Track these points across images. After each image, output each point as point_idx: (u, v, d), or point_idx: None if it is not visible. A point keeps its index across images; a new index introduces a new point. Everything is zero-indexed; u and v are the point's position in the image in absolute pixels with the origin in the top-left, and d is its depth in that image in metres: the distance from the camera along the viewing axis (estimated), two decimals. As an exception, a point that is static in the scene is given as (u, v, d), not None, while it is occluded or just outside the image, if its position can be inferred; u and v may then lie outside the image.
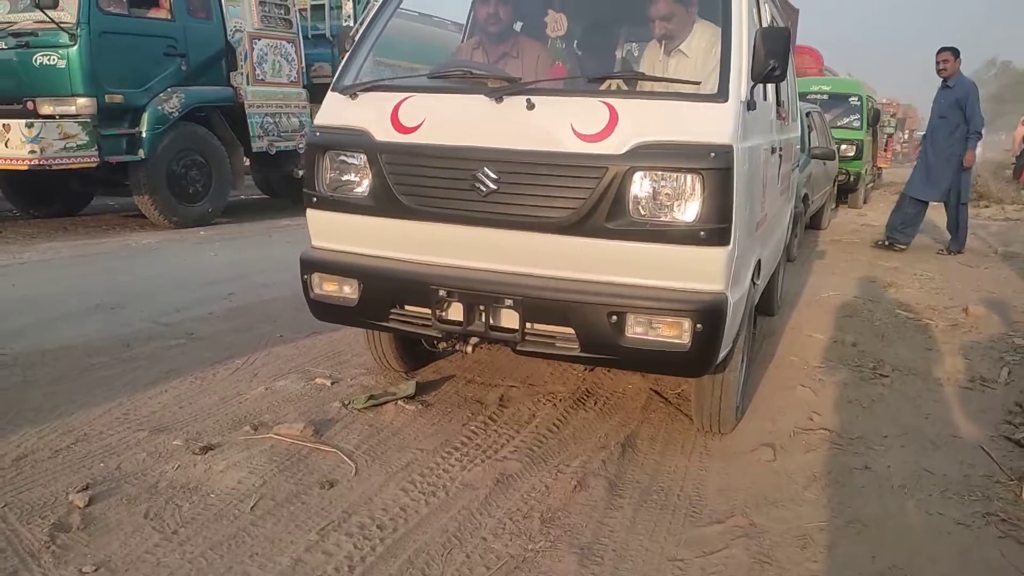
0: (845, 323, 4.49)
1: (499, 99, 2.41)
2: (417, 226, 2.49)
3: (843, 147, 10.05)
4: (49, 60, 6.82)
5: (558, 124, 2.33)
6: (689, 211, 2.23)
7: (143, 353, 3.52)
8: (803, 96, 10.85)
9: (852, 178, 10.57)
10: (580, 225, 2.29)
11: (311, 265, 2.71)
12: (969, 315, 4.72)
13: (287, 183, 9.90)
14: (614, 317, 2.29)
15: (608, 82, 3.32)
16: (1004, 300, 5.23)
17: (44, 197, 8.27)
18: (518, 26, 3.33)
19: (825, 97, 10.80)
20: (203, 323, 4.07)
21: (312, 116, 9.14)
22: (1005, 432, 2.88)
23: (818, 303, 5.02)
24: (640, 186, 2.25)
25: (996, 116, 65.44)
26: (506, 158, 2.35)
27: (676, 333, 2.27)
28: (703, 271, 2.26)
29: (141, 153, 7.27)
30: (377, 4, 2.87)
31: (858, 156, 10.56)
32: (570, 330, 2.36)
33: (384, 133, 2.52)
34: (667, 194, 2.25)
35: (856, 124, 10.77)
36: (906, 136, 28.55)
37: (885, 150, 15.45)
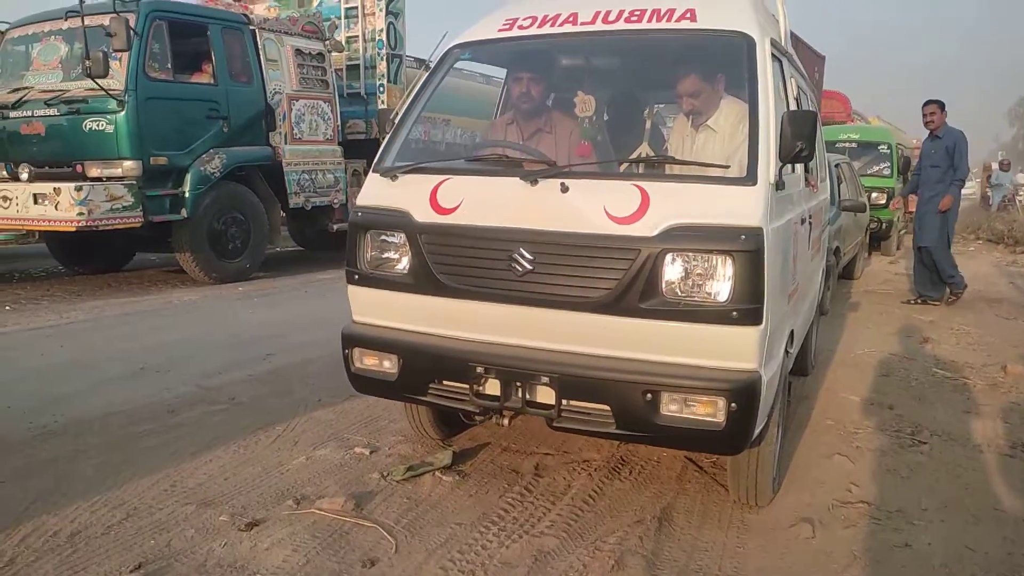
0: (881, 383, 4.46)
1: (534, 182, 2.49)
2: (455, 304, 2.57)
3: (874, 195, 10.01)
4: (98, 125, 7.14)
5: (591, 206, 2.41)
6: (721, 292, 2.28)
7: (187, 420, 3.62)
8: (832, 145, 10.91)
9: (884, 225, 10.50)
10: (614, 304, 2.35)
11: (352, 340, 2.79)
12: (1008, 374, 4.65)
13: (322, 236, 10.15)
14: (649, 395, 2.33)
15: (639, 150, 3.45)
16: (1045, 357, 5.14)
17: (88, 254, 8.57)
18: (550, 100, 3.44)
19: (854, 146, 10.81)
20: (244, 386, 4.17)
21: (346, 172, 9.42)
22: (1050, 506, 2.83)
23: (853, 361, 4.99)
24: (672, 267, 2.31)
25: (1030, 154, 64.70)
26: (542, 239, 2.43)
27: (711, 412, 2.30)
28: (736, 350, 2.29)
29: (184, 212, 7.54)
30: (415, 90, 2.99)
31: (889, 204, 10.49)
32: (606, 407, 2.40)
33: (423, 214, 2.62)
34: (699, 275, 2.30)
35: (887, 172, 10.74)
36: None
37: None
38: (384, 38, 9.80)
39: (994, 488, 3.01)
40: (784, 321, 2.70)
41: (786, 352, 2.85)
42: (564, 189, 2.45)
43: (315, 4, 10.24)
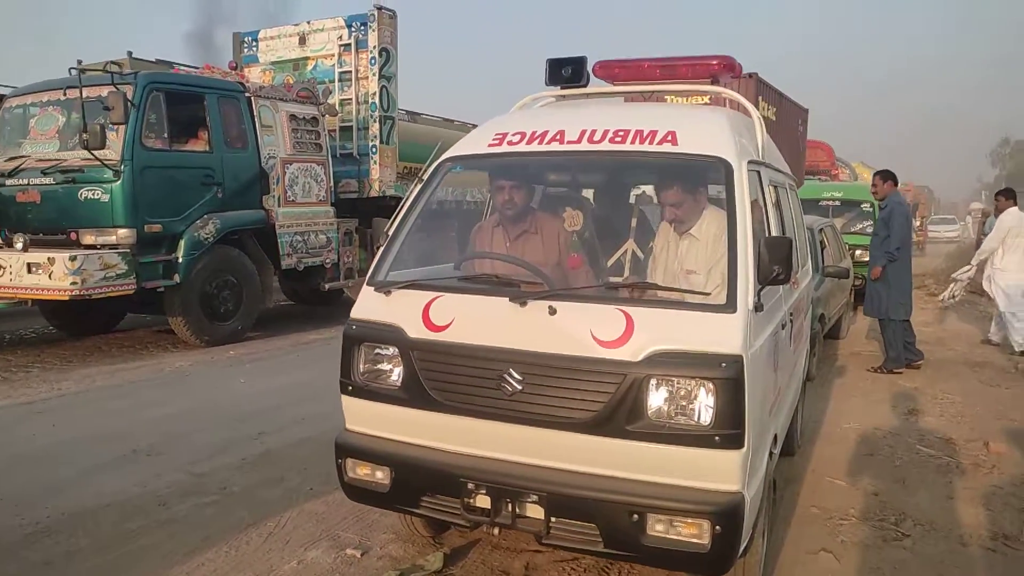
0: (866, 464, 4.53)
1: (523, 303, 2.58)
2: (446, 419, 2.64)
3: (857, 252, 10.18)
4: (93, 194, 7.26)
5: (579, 330, 2.49)
6: (703, 416, 2.35)
7: (179, 514, 3.64)
8: (816, 203, 11.14)
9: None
10: (601, 426, 2.42)
11: (345, 451, 2.84)
12: (990, 452, 4.74)
13: (314, 294, 10.23)
14: (635, 516, 2.38)
15: (625, 247, 3.55)
16: (1026, 430, 5.23)
17: (80, 316, 8.59)
18: (535, 203, 3.56)
19: (837, 203, 11.04)
20: (235, 473, 4.20)
21: (338, 231, 9.53)
22: (1029, 610, 2.89)
23: (838, 437, 5.06)
24: (656, 392, 2.39)
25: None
26: (530, 360, 2.51)
27: (696, 533, 2.36)
28: (719, 473, 2.36)
29: (176, 278, 7.62)
30: (408, 201, 3.10)
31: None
32: (593, 526, 2.45)
33: (416, 330, 2.70)
34: (682, 400, 2.38)
35: (870, 230, 10.92)
36: (917, 223, 25.86)
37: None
38: (377, 101, 9.99)
39: (976, 588, 3.07)
40: (767, 430, 2.78)
41: (770, 455, 2.93)
42: (552, 312, 2.54)
43: (309, 68, 10.45)
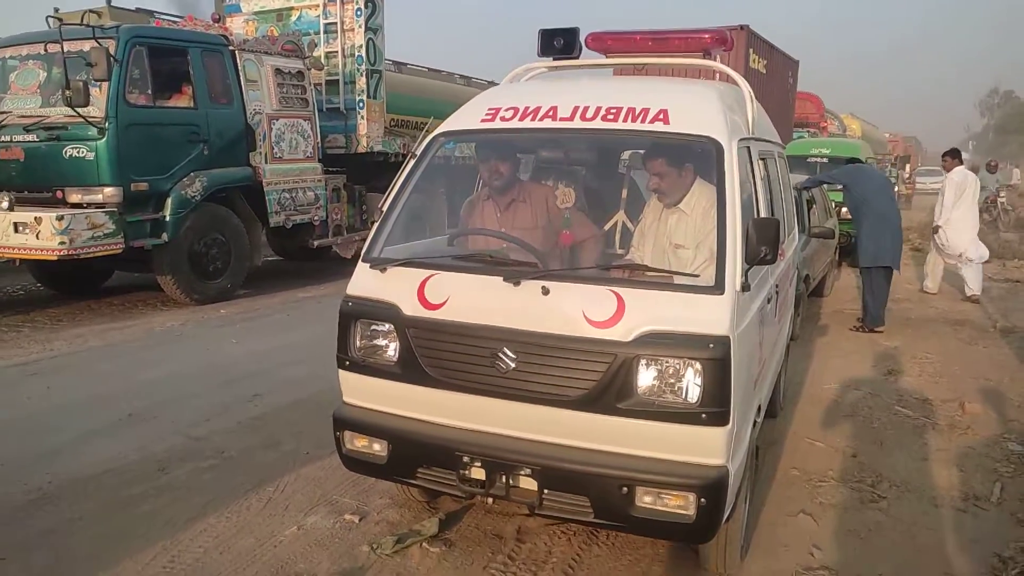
0: (845, 425, 4.68)
1: (516, 283, 2.64)
2: (442, 394, 2.71)
3: (843, 210, 10.24)
4: (78, 152, 7.15)
5: (571, 310, 2.56)
6: (691, 395, 2.44)
7: (178, 479, 3.73)
8: (803, 160, 11.15)
9: (853, 240, 10.74)
10: (592, 403, 2.51)
11: (343, 423, 2.92)
12: (965, 412, 4.90)
13: (302, 251, 10.21)
14: (625, 489, 2.49)
15: (615, 218, 3.60)
16: (1000, 391, 5.40)
17: (69, 274, 8.54)
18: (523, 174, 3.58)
19: (825, 160, 11.05)
20: (232, 437, 4.29)
21: (327, 188, 9.48)
22: (994, 571, 3.05)
23: (819, 398, 5.21)
24: (646, 371, 2.47)
25: (1000, 146, 65.90)
26: (524, 339, 2.57)
27: (682, 505, 2.47)
28: (705, 448, 2.46)
29: (164, 237, 7.58)
30: (401, 177, 3.11)
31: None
32: (585, 498, 2.56)
33: (411, 308, 2.75)
34: (671, 379, 2.47)
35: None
36: (907, 175, 25.35)
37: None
38: (363, 54, 9.83)
39: (946, 549, 3.23)
40: (751, 403, 2.88)
41: (753, 424, 3.04)
42: (545, 292, 2.59)
43: (294, 18, 10.22)
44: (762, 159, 3.53)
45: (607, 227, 3.65)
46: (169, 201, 7.60)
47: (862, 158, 11.36)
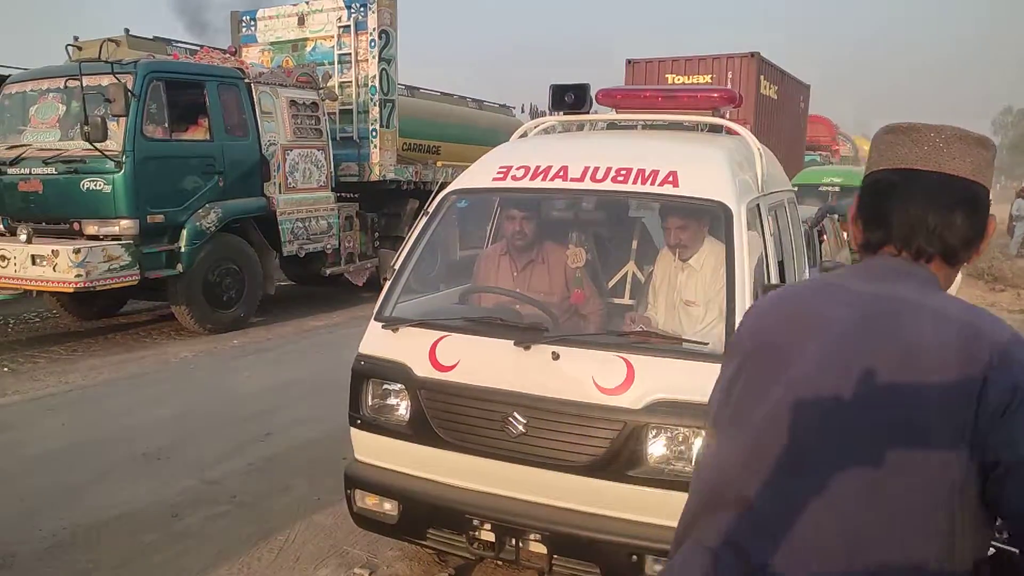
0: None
1: (527, 347, 2.66)
2: (452, 456, 2.74)
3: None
4: (95, 185, 7.26)
5: (581, 376, 2.58)
6: (701, 464, 2.45)
7: (191, 527, 3.76)
8: (815, 188, 11.14)
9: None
10: (602, 469, 2.52)
11: (354, 482, 2.94)
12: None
13: (315, 277, 10.28)
14: (634, 557, 2.50)
15: (625, 269, 3.62)
16: None
17: (83, 302, 8.62)
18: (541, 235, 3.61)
19: (837, 189, 11.04)
20: (244, 480, 4.32)
21: (339, 216, 9.56)
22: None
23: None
24: (655, 439, 2.49)
25: (1015, 165, 65.59)
26: (534, 404, 2.60)
27: (691, 574, 2.47)
28: (715, 517, 2.46)
29: (179, 267, 7.67)
30: (413, 235, 3.15)
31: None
32: (594, 565, 2.57)
33: (423, 369, 2.78)
34: (680, 447, 2.48)
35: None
36: None
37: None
38: (377, 84, 9.94)
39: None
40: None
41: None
42: (555, 357, 2.62)
43: (309, 49, 10.37)
44: (772, 213, 3.55)
45: (616, 279, 3.68)
46: (184, 232, 7.69)
47: (874, 187, 11.38)
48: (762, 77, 13.50)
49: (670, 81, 13.58)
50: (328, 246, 9.48)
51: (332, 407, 4.98)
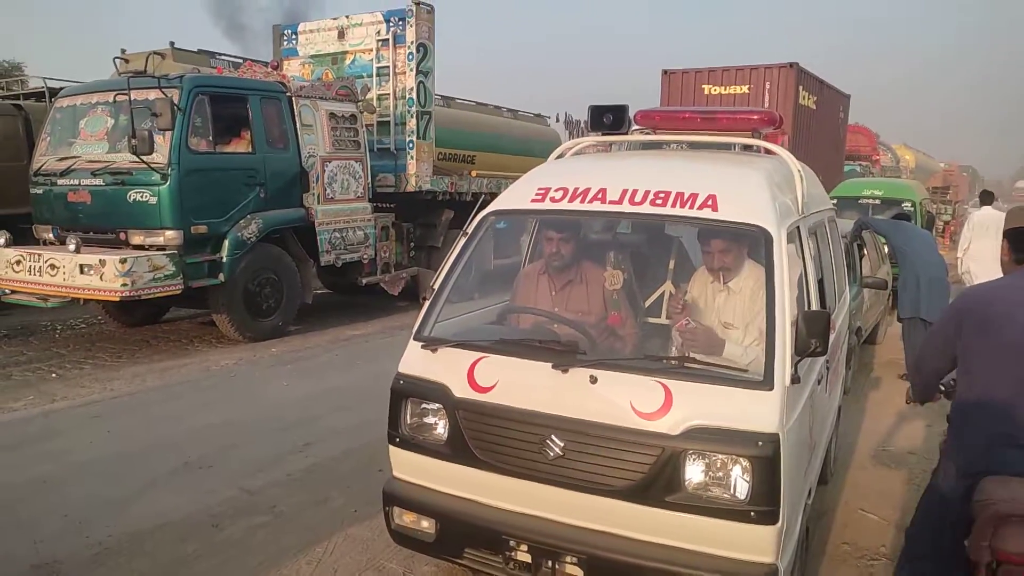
0: (899, 495, 4.56)
1: (565, 370, 2.68)
2: (490, 476, 2.76)
3: (897, 253, 10.04)
4: (142, 197, 7.46)
5: (619, 400, 2.58)
6: (739, 491, 2.44)
7: (232, 536, 3.84)
8: (855, 201, 10.98)
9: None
10: (640, 494, 2.52)
11: (392, 499, 2.98)
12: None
13: (351, 286, 10.41)
14: (670, 582, 2.49)
15: (662, 288, 3.62)
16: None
17: (129, 308, 8.85)
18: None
19: (878, 202, 10.86)
20: (284, 491, 4.39)
21: (376, 227, 9.67)
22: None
23: (872, 462, 5.10)
24: (694, 466, 2.48)
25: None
26: (572, 427, 2.61)
27: (730, 602, 2.46)
28: (754, 545, 2.45)
29: (221, 277, 7.82)
30: (452, 255, 3.19)
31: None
32: (631, 590, 2.57)
33: (461, 390, 2.81)
34: (718, 474, 2.47)
35: (910, 230, 10.75)
36: (950, 213, 19.93)
37: (943, 236, 15.20)
38: (414, 96, 10.05)
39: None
40: (801, 493, 2.86)
41: (804, 507, 3.02)
42: (593, 380, 2.63)
43: (348, 62, 10.53)
44: (812, 234, 3.52)
45: (653, 298, 3.67)
46: (226, 243, 7.86)
47: (916, 199, 11.18)
48: (800, 87, 13.33)
49: (706, 92, 13.50)
50: (365, 256, 9.60)
51: (368, 418, 5.09)
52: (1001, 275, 2.73)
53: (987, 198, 10.55)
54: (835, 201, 9.37)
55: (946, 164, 34.09)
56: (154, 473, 4.62)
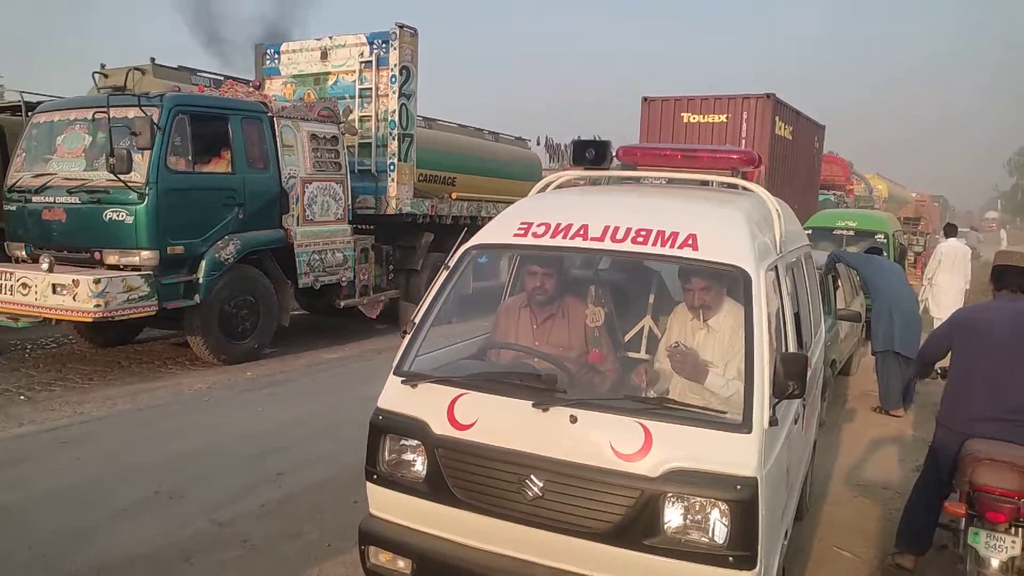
0: (874, 532, 4.59)
1: (545, 409, 2.67)
2: (468, 516, 2.73)
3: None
4: (118, 216, 7.37)
5: (598, 440, 2.58)
6: (717, 535, 2.44)
7: (202, 572, 3.76)
8: (829, 232, 11.14)
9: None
10: (618, 536, 2.51)
11: (368, 537, 2.94)
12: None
13: (329, 307, 10.33)
14: (648, 626, 2.48)
15: (641, 323, 3.63)
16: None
17: (100, 328, 8.70)
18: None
19: (851, 233, 11.03)
20: (256, 523, 4.31)
21: (355, 249, 9.63)
22: None
23: (846, 498, 5.12)
24: (672, 509, 2.48)
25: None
26: (551, 467, 2.60)
27: (707, 645, 2.45)
28: (732, 591, 2.45)
29: (197, 298, 7.73)
30: (434, 290, 3.18)
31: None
32: (608, 632, 2.55)
33: (440, 427, 2.79)
34: (697, 517, 2.47)
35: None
36: (922, 244, 18.08)
37: (915, 267, 15.44)
38: (396, 118, 10.06)
39: None
40: (779, 534, 2.86)
41: (781, 548, 3.02)
42: (573, 420, 2.62)
43: (331, 83, 10.53)
44: (790, 272, 3.56)
45: (633, 333, 3.69)
46: (203, 264, 7.77)
47: (889, 231, 11.37)
48: (777, 118, 13.56)
49: (685, 120, 13.66)
50: (343, 278, 9.54)
51: (343, 446, 5.03)
52: (959, 306, 3.84)
53: (951, 231, 11.35)
54: (810, 231, 9.52)
55: (918, 194, 34.77)
56: (123, 503, 4.52)
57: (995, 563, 3.22)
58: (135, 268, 7.36)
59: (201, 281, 7.75)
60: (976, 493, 3.29)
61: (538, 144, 22.68)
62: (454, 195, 12.08)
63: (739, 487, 2.41)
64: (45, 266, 7.16)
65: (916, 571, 4.01)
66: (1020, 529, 3.21)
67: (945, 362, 4.01)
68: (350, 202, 9.62)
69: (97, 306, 6.94)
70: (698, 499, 2.46)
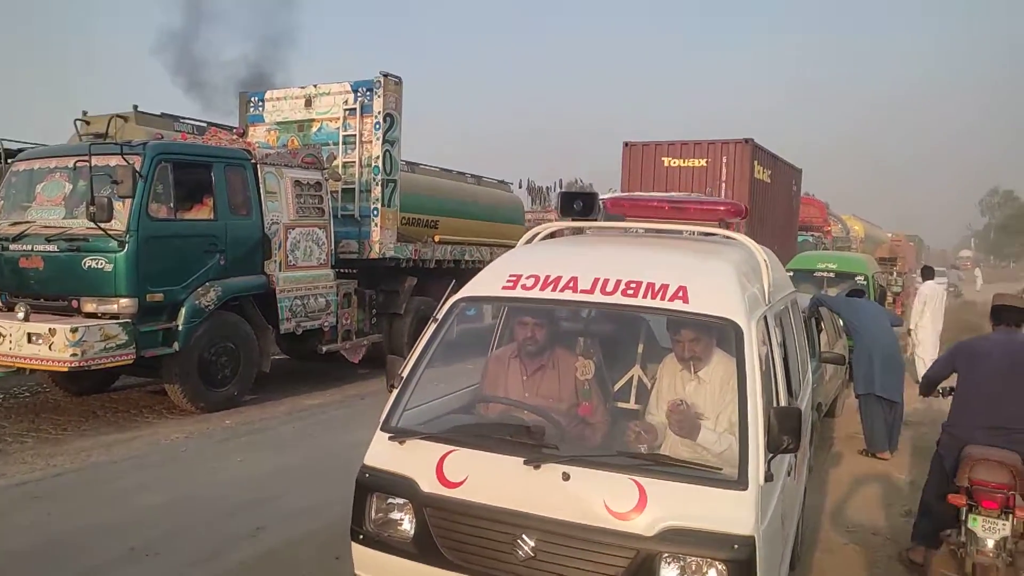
0: (865, 578, 4.54)
1: (537, 466, 2.62)
2: (457, 578, 2.65)
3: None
4: (97, 263, 7.27)
5: (591, 498, 2.53)
6: (715, 596, 2.38)
7: (180, 636, 3.62)
8: (810, 273, 11.25)
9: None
10: (613, 598, 2.44)
11: (354, 605, 2.84)
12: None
13: (310, 354, 10.21)
14: None
15: (631, 372, 3.60)
16: None
17: (75, 377, 8.51)
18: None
19: (832, 275, 11.14)
20: (235, 582, 4.18)
21: (338, 293, 9.56)
22: None
23: (836, 545, 5.06)
24: (668, 569, 2.42)
25: (1002, 245, 66.58)
26: (544, 527, 2.54)
27: None
28: (730, 652, 2.38)
29: (176, 346, 7.60)
30: (422, 343, 3.14)
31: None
32: None
33: (429, 485, 2.73)
34: (694, 576, 2.41)
35: (864, 303, 11.02)
36: (900, 284, 17.07)
37: (894, 306, 15.61)
38: (380, 164, 10.09)
39: None
40: (774, 587, 2.81)
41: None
42: (566, 477, 2.57)
43: (315, 129, 10.58)
44: (778, 320, 3.56)
45: (622, 383, 3.66)
46: (183, 311, 7.65)
47: (869, 273, 11.50)
48: (756, 162, 13.81)
49: (666, 164, 13.88)
50: (326, 323, 9.45)
51: (325, 498, 4.91)
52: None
53: (928, 273, 11.77)
54: (791, 273, 9.60)
55: (893, 234, 35.35)
56: (96, 560, 4.36)
57: (990, 543, 3.88)
58: (113, 316, 7.23)
59: (180, 328, 7.63)
60: (974, 487, 3.96)
61: (520, 187, 22.90)
62: (436, 238, 12.07)
63: (736, 546, 2.36)
64: (21, 315, 7.02)
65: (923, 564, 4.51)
66: (1010, 515, 3.86)
67: (949, 381, 4.75)
68: (333, 247, 9.58)
69: (74, 355, 6.80)
70: (695, 559, 2.41)
